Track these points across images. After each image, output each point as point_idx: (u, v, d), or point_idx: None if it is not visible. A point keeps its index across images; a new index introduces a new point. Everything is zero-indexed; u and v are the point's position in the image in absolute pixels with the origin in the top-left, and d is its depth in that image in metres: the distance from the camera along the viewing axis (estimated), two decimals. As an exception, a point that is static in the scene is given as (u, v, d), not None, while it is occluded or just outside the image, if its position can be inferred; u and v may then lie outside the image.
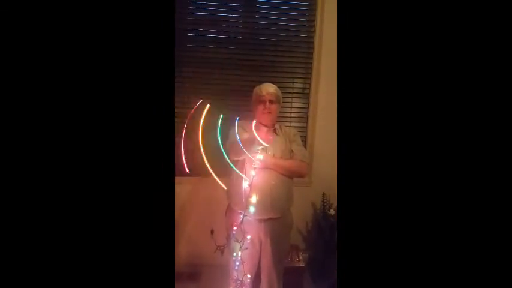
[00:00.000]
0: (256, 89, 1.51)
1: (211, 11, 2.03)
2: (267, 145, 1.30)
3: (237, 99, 2.04)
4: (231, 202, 1.46)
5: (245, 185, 1.32)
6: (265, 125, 1.50)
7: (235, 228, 1.35)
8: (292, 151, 1.48)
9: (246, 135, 1.39)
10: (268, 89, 1.47)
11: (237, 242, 1.35)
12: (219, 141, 1.28)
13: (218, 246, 1.38)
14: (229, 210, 1.49)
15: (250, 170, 1.34)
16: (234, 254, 1.37)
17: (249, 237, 1.37)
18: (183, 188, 2.05)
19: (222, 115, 1.29)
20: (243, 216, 1.31)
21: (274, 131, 1.52)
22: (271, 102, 1.46)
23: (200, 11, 2.03)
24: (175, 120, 0.84)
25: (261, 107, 1.47)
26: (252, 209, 1.31)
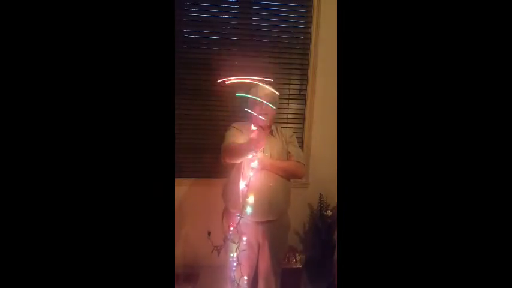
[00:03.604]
0: (252, 91, 1.49)
1: (207, 12, 2.03)
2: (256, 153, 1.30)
3: (235, 101, 2.04)
4: (229, 204, 1.46)
5: (242, 185, 1.32)
6: (261, 127, 1.48)
7: (232, 228, 1.34)
8: (289, 152, 1.48)
9: (242, 139, 1.39)
10: (264, 90, 1.44)
11: (234, 243, 1.34)
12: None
13: (215, 247, 1.37)
14: (226, 212, 1.49)
15: (247, 171, 1.33)
16: (231, 254, 1.37)
17: (245, 238, 1.36)
18: (180, 189, 2.05)
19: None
20: (240, 218, 1.31)
21: (271, 132, 1.51)
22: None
23: (196, 12, 2.03)
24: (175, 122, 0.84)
25: (257, 109, 1.43)
26: (249, 210, 1.31)
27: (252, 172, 1.31)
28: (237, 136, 1.42)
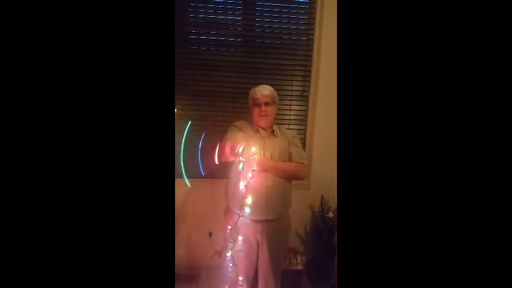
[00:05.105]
0: (252, 92, 1.50)
1: (210, 14, 2.03)
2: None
3: (236, 102, 2.05)
4: (229, 203, 1.46)
5: (242, 186, 1.33)
6: (262, 128, 1.50)
7: (229, 227, 1.35)
8: (290, 153, 1.48)
9: (241, 138, 1.38)
10: (263, 91, 1.47)
11: (231, 242, 1.34)
12: (182, 147, 1.25)
13: (216, 251, 1.37)
14: (228, 212, 1.49)
15: (247, 172, 1.34)
16: (228, 254, 1.36)
17: (240, 238, 1.36)
18: (181, 190, 2.05)
19: (190, 122, 1.30)
20: (239, 217, 1.32)
21: (272, 132, 1.52)
22: (266, 104, 1.45)
23: (199, 13, 2.03)
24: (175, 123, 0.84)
25: (257, 110, 1.46)
26: (247, 210, 1.32)
27: (251, 173, 1.32)
28: (236, 136, 1.42)
